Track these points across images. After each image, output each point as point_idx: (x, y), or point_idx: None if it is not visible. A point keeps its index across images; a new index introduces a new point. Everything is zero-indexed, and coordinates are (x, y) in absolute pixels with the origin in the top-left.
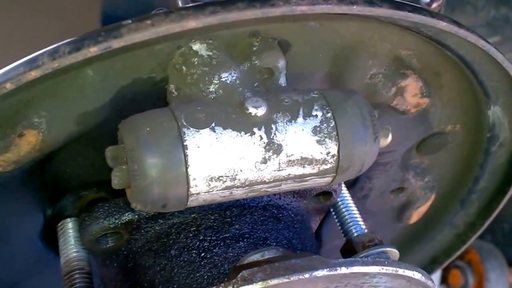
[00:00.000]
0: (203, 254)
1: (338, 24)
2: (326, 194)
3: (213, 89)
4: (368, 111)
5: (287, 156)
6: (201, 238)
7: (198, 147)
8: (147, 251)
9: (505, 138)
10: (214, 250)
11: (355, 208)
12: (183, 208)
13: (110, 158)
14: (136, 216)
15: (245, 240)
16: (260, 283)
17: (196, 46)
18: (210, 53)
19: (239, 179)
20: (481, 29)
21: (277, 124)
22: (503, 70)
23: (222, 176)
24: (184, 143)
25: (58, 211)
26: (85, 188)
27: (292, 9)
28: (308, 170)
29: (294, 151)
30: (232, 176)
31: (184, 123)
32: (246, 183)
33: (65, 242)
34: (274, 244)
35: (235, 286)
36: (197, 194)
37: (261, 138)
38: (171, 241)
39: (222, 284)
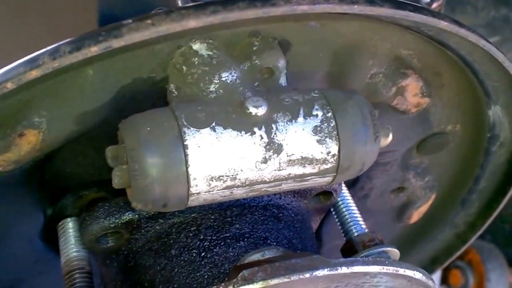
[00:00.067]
0: (203, 254)
1: (338, 24)
2: (326, 193)
3: (214, 89)
4: (368, 110)
5: (287, 156)
6: (201, 237)
7: (199, 146)
8: (147, 250)
9: (505, 138)
10: (215, 250)
11: (355, 208)
12: (183, 208)
13: (110, 158)
14: (137, 215)
15: (245, 239)
16: (260, 282)
17: (196, 46)
18: (210, 53)
19: (240, 179)
20: (481, 29)
21: (277, 124)
22: (504, 70)
23: (222, 176)
24: (185, 143)
25: (58, 210)
26: (85, 188)
27: (293, 9)
28: (308, 169)
29: (294, 150)
30: (232, 175)
31: (185, 123)
32: (247, 183)
33: (65, 242)
34: (275, 243)
35: (235, 285)
36: (198, 193)
37: (262, 137)
38: (171, 241)
39: (223, 284)
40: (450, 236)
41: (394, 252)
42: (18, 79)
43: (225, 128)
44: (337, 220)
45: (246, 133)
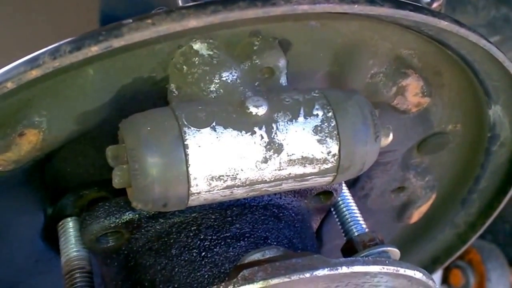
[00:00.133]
0: (203, 254)
1: (339, 23)
2: (326, 193)
3: (214, 89)
4: (369, 110)
5: (288, 156)
6: (201, 237)
7: (199, 146)
8: (147, 250)
9: (506, 137)
10: (215, 250)
11: (355, 208)
12: (183, 208)
13: (110, 157)
14: (137, 215)
15: (245, 239)
16: (261, 282)
17: (196, 46)
18: (211, 53)
19: (240, 179)
20: (482, 29)
21: (278, 124)
22: (504, 69)
23: (222, 176)
24: (185, 142)
25: (58, 210)
26: (85, 187)
27: (293, 8)
28: (309, 169)
29: (295, 150)
30: (232, 175)
31: (185, 123)
32: (247, 183)
33: (65, 242)
34: (275, 243)
35: (236, 285)
36: (198, 193)
37: (262, 137)
38: (171, 241)
39: (223, 284)
40: (450, 236)
41: (395, 252)
42: (18, 78)
43: (225, 128)
44: (337, 219)
45: (246, 133)
